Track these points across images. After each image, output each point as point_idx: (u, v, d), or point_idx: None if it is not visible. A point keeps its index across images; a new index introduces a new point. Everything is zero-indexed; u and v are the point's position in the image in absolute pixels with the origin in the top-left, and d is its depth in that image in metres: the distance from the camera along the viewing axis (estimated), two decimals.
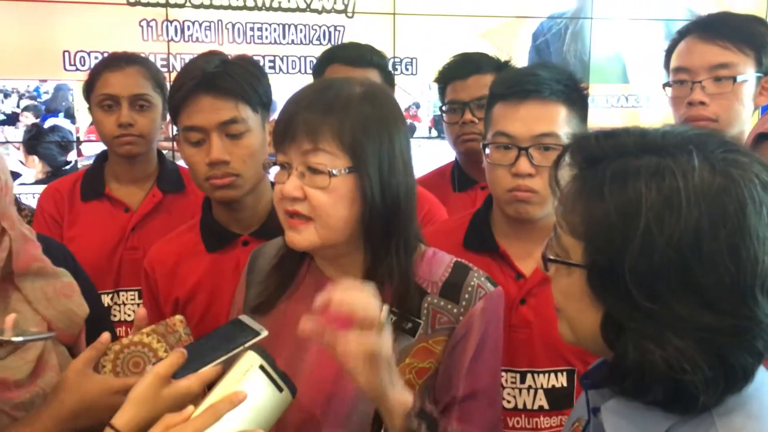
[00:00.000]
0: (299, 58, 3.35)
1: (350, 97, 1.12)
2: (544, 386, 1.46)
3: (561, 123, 1.40)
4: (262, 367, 0.96)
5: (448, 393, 1.18)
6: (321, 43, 3.35)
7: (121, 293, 1.99)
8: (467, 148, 2.06)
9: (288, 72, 3.35)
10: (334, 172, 1.09)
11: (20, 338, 1.03)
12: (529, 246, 1.49)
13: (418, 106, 3.54)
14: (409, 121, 3.52)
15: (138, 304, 1.95)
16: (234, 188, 1.49)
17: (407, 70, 3.49)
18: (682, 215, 0.75)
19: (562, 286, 0.88)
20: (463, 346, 1.17)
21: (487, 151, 1.46)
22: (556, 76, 1.42)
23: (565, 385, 1.47)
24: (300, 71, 3.36)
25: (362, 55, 2.04)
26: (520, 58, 3.42)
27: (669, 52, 1.78)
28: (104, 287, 1.95)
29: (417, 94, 3.52)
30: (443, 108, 2.14)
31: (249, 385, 0.94)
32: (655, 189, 0.76)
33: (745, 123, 1.71)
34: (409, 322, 1.16)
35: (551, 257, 0.87)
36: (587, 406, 0.94)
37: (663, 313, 0.76)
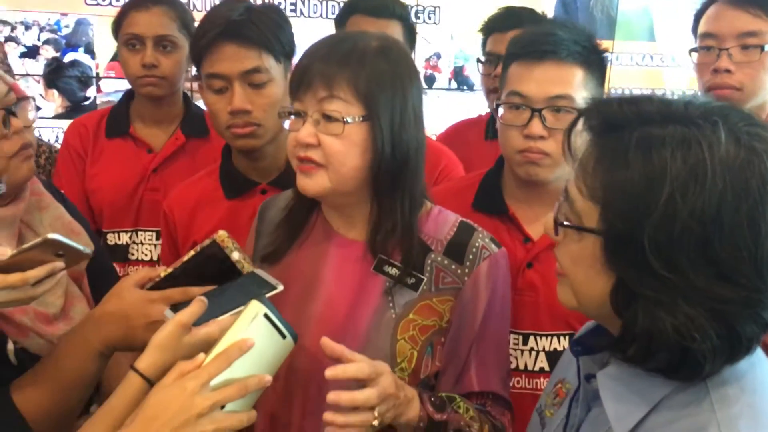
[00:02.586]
0: (321, 2, 3.31)
1: (366, 49, 1.14)
2: (546, 349, 1.49)
3: (577, 86, 1.39)
4: (266, 316, 0.99)
5: (456, 356, 1.21)
6: None
7: (139, 233, 2.02)
8: None
9: (309, 16, 3.31)
10: (348, 119, 1.11)
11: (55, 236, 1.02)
12: (538, 209, 1.49)
13: (439, 56, 3.50)
14: (429, 71, 3.48)
15: (155, 245, 1.99)
16: (255, 137, 1.52)
17: (429, 19, 3.44)
18: (706, 187, 0.75)
19: (571, 251, 0.88)
20: (472, 308, 1.20)
21: (501, 110, 1.45)
22: (574, 37, 1.40)
23: (567, 348, 1.49)
24: (321, 15, 3.32)
25: (385, 5, 2.03)
26: (546, 11, 3.35)
27: (698, 16, 1.75)
28: (123, 225, 2.00)
29: (438, 44, 3.47)
30: (481, 58, 2.15)
31: (255, 333, 0.98)
32: (681, 159, 0.76)
33: None
34: (413, 277, 1.19)
35: (564, 222, 0.87)
36: (578, 373, 0.96)
37: (678, 282, 0.77)
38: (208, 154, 1.94)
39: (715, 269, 0.76)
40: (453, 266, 1.20)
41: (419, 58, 3.31)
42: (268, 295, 1.07)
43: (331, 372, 1.00)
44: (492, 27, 2.14)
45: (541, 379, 1.50)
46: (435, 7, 3.41)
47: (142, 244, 2.01)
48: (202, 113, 2.05)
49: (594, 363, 0.94)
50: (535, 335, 1.48)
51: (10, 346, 1.13)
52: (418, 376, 1.18)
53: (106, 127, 2.05)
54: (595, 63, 1.42)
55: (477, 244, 1.21)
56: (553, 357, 1.49)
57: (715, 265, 0.76)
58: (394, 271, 1.19)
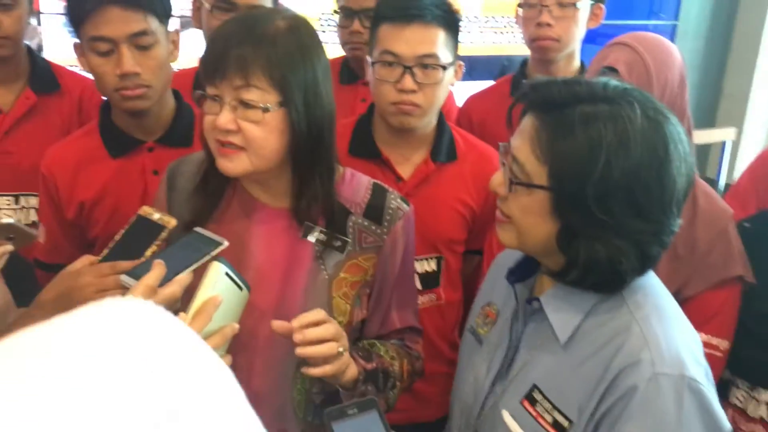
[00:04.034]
0: None
1: (276, 32, 1.17)
2: (418, 271, 1.72)
3: (440, 45, 1.59)
4: (227, 274, 1.10)
5: (380, 303, 1.37)
6: None
7: None
8: (354, 56, 2.17)
9: None
10: (268, 107, 1.16)
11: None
12: (407, 152, 1.71)
13: None
14: None
15: (15, 210, 1.89)
16: (145, 99, 1.53)
17: None
18: (630, 151, 0.98)
19: (521, 203, 1.07)
20: (392, 261, 1.35)
21: (373, 67, 1.62)
22: (435, 2, 1.60)
23: (434, 269, 1.76)
24: None
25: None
26: None
27: None
28: None
29: None
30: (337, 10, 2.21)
31: (220, 289, 1.08)
32: (612, 130, 0.98)
33: (578, 43, 2.02)
34: (338, 240, 1.30)
35: (517, 181, 1.06)
36: (515, 297, 1.20)
37: (611, 222, 1.00)
38: (61, 110, 1.88)
39: (636, 210, 1.00)
40: (373, 227, 1.32)
41: None
42: (216, 251, 1.16)
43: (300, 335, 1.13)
44: None
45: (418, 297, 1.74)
46: None
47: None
48: (49, 66, 1.95)
49: (525, 288, 1.20)
50: None
51: None
52: (351, 326, 1.33)
53: None
54: (453, 25, 1.63)
55: (392, 206, 1.34)
56: (425, 278, 1.74)
57: (636, 208, 1.00)
58: (321, 236, 1.29)
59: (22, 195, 1.89)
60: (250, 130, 1.17)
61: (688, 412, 0.99)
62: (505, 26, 3.84)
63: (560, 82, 1.06)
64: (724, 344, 1.55)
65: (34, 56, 1.99)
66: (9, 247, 1.05)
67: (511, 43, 3.85)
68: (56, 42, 2.77)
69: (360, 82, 2.18)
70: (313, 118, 1.20)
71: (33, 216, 1.85)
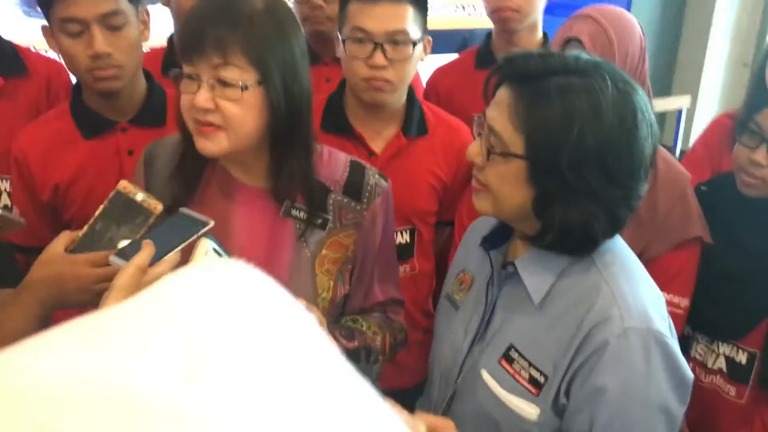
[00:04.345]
0: None
1: (253, 11, 1.18)
2: None
3: (410, 21, 1.63)
4: (215, 249, 1.13)
5: (362, 278, 1.41)
6: None
7: None
8: (315, 30, 2.15)
9: None
10: (246, 85, 1.16)
11: None
12: (378, 126, 1.75)
13: None
14: None
15: None
16: (117, 80, 1.54)
17: None
18: (602, 121, 1.03)
19: (498, 172, 1.11)
20: (372, 236, 1.39)
21: (344, 44, 1.64)
22: None
23: (408, 241, 1.81)
24: None
25: None
26: None
27: None
28: None
29: None
30: None
31: None
32: (585, 101, 1.03)
33: (539, 14, 2.05)
34: (319, 218, 1.32)
35: (494, 151, 1.11)
36: (490, 263, 1.25)
37: (585, 188, 1.05)
38: (29, 92, 1.86)
39: (607, 176, 1.05)
40: (353, 204, 1.35)
41: None
42: (203, 230, 1.19)
43: None
44: None
45: None
46: None
47: None
48: (14, 47, 1.92)
49: (499, 254, 1.25)
50: None
51: None
52: (334, 302, 1.36)
53: None
54: (422, 0, 1.66)
55: (371, 182, 1.37)
56: (400, 249, 1.78)
57: (607, 174, 1.05)
58: (302, 214, 1.31)
59: None
60: (229, 108, 1.17)
61: (655, 363, 1.06)
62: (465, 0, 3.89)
63: (536, 55, 1.11)
64: (684, 302, 1.63)
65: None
66: None
67: (471, 16, 3.90)
68: (8, 22, 2.73)
69: (322, 62, 2.19)
70: (291, 96, 1.21)
71: (5, 200, 1.84)
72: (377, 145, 1.75)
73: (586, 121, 1.04)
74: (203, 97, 1.16)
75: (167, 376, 0.31)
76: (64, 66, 1.94)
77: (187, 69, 1.19)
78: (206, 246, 1.13)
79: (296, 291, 1.26)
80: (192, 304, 0.36)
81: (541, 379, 1.13)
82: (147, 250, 1.10)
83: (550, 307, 1.15)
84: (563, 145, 1.04)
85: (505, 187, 1.12)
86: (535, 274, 1.17)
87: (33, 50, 2.02)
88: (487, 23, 2.14)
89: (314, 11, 2.11)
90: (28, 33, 2.35)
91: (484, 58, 2.09)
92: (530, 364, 1.15)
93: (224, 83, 1.16)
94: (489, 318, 1.24)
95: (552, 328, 1.14)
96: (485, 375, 1.20)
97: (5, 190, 1.81)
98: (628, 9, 3.83)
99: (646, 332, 1.07)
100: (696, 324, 1.71)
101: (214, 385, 0.31)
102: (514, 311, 1.20)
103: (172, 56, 1.95)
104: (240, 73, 1.16)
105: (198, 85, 1.17)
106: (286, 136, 1.24)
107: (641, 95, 1.09)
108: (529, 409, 1.14)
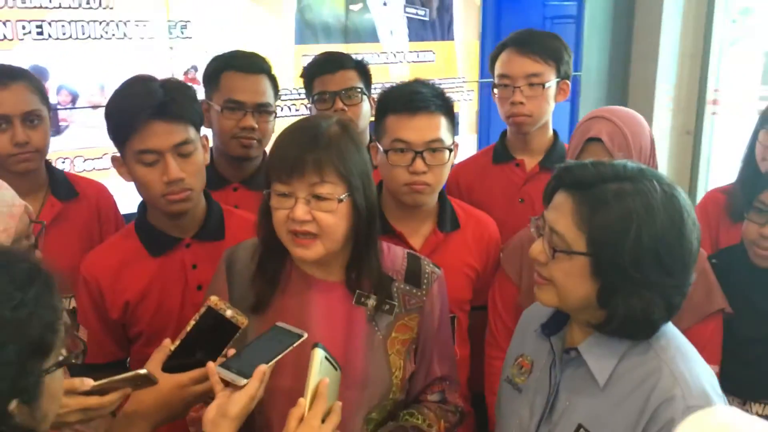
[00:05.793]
0: (69, 23, 3.20)
1: (336, 134, 1.38)
2: None
3: (443, 130, 1.80)
4: (326, 357, 1.24)
5: (425, 356, 1.54)
6: (91, 7, 3.23)
7: None
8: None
9: (58, 38, 3.19)
10: (341, 198, 1.35)
11: None
12: (415, 225, 1.91)
13: (196, 69, 3.61)
14: (190, 84, 3.57)
15: None
16: (189, 201, 1.66)
17: (182, 33, 3.53)
18: (655, 221, 1.18)
19: (563, 268, 1.25)
20: (432, 318, 1.54)
21: (386, 154, 1.80)
22: (434, 92, 1.81)
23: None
24: (71, 36, 3.21)
25: (255, 63, 2.14)
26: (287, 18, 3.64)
27: (493, 60, 2.24)
28: None
29: (193, 57, 3.58)
30: (313, 98, 2.32)
31: (324, 373, 1.23)
32: (640, 204, 1.18)
33: (549, 116, 2.26)
34: (387, 304, 1.49)
35: (558, 248, 1.24)
36: (552, 348, 1.37)
37: (644, 280, 1.18)
38: (82, 214, 1.98)
39: (662, 269, 1.19)
40: (414, 290, 1.52)
41: (178, 71, 3.40)
42: (297, 343, 1.29)
43: None
44: (318, 71, 2.32)
45: None
46: (186, 22, 3.51)
47: None
48: (65, 175, 2.04)
49: (559, 340, 1.37)
50: None
51: None
52: (404, 379, 1.50)
53: None
54: (450, 109, 1.84)
55: (427, 271, 1.54)
56: None
57: (662, 266, 1.19)
58: (372, 302, 1.47)
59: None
60: (324, 218, 1.35)
61: None
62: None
63: (589, 164, 1.26)
64: (716, 369, 1.78)
65: (51, 168, 2.06)
66: (128, 390, 1.20)
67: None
68: None
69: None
70: (369, 200, 1.41)
71: (65, 318, 1.90)
72: (416, 242, 1.89)
73: (642, 221, 1.18)
74: (302, 211, 1.34)
75: None
76: (106, 188, 2.07)
77: (280, 188, 1.36)
78: (319, 356, 1.24)
79: (374, 371, 1.46)
80: None
81: None
82: (257, 380, 1.20)
83: (613, 388, 1.27)
84: (623, 243, 1.18)
85: (570, 281, 1.26)
86: (599, 357, 1.29)
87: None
88: None
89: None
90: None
91: (501, 155, 2.31)
92: None
93: (319, 197, 1.34)
94: (553, 400, 1.35)
95: (619, 407, 1.25)
96: None
97: (68, 309, 1.88)
98: (576, 89, 4.10)
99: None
100: (727, 388, 1.84)
101: None
102: (579, 393, 1.31)
103: (214, 169, 2.10)
104: (334, 188, 1.35)
105: (294, 201, 1.34)
106: (366, 235, 1.43)
107: (684, 195, 1.25)
108: None
